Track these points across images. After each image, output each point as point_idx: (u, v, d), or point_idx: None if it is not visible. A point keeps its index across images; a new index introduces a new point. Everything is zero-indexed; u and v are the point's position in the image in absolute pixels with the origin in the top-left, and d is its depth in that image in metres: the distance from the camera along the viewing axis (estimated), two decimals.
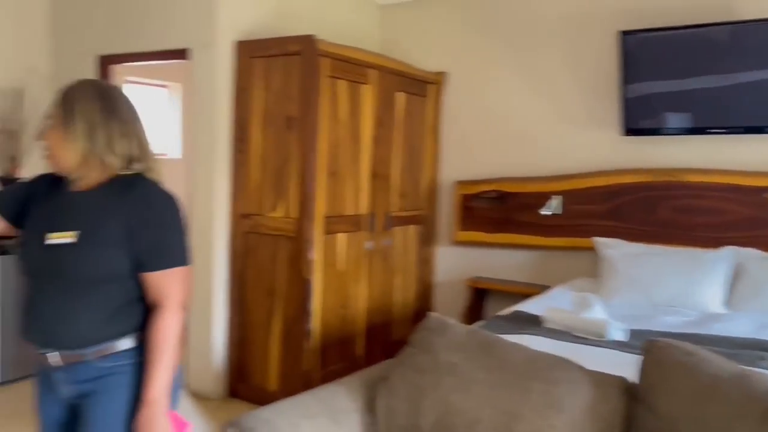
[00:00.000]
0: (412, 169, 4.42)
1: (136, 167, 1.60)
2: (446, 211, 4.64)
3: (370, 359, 4.09)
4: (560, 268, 4.17)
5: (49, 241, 1.54)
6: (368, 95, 3.90)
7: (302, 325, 3.53)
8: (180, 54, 3.79)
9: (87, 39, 4.24)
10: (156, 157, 1.65)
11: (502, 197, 4.32)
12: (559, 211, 4.13)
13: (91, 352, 1.56)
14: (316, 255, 3.56)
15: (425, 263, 4.64)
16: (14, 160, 3.99)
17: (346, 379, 2.06)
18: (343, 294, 3.87)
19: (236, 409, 3.60)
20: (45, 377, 1.66)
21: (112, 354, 1.58)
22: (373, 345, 4.15)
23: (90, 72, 4.20)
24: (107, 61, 4.20)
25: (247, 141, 3.68)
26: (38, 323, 1.58)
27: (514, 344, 1.89)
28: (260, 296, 3.69)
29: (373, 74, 3.92)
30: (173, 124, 5.52)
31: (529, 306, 3.26)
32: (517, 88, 4.35)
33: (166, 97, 5.53)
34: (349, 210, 3.85)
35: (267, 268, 3.65)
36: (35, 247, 1.57)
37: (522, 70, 4.32)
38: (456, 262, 4.62)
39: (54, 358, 1.58)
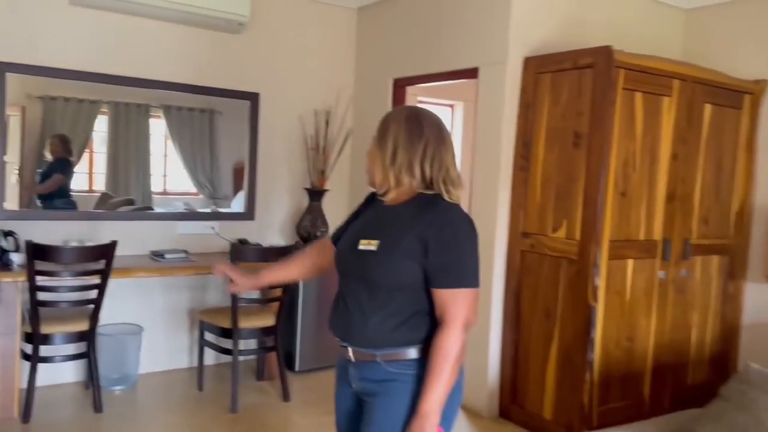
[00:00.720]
0: (718, 191, 3.87)
1: (437, 188, 1.66)
2: (761, 240, 3.95)
3: (656, 402, 3.67)
4: None
5: (360, 247, 1.69)
6: (669, 108, 3.51)
7: (583, 354, 3.29)
8: (470, 73, 3.86)
9: (384, 64, 4.59)
10: (458, 180, 1.70)
11: None
12: None
13: (380, 354, 1.67)
14: (600, 281, 3.30)
15: (730, 300, 4.01)
16: (322, 174, 4.47)
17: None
18: (630, 326, 3.52)
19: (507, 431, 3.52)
20: (342, 368, 1.82)
21: (398, 360, 1.66)
22: (661, 386, 3.70)
23: (386, 94, 4.54)
24: (401, 83, 4.49)
25: (530, 158, 3.59)
26: (340, 318, 1.75)
27: None
28: (537, 317, 3.55)
29: (676, 85, 3.52)
30: (456, 140, 5.70)
31: None
32: None
33: (449, 115, 5.74)
34: (640, 234, 3.50)
35: (545, 289, 3.50)
36: (348, 250, 1.74)
37: None
38: None
39: (349, 352, 1.73)
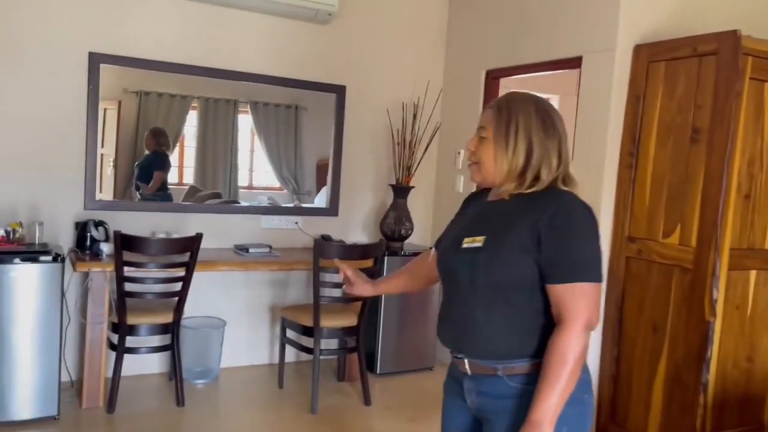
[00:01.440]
0: None
1: (553, 179, 1.51)
2: None
3: None
4: None
5: (464, 245, 1.52)
6: None
7: (697, 374, 2.96)
8: (572, 63, 3.58)
9: (476, 55, 4.36)
10: (575, 180, 1.55)
11: None
12: None
13: (501, 367, 1.48)
14: (719, 293, 2.95)
15: None
16: (408, 170, 4.30)
17: None
18: (750, 344, 3.15)
19: None
20: (455, 381, 1.63)
21: (522, 374, 1.47)
22: None
23: (478, 86, 4.31)
24: (494, 75, 4.25)
25: (639, 155, 3.27)
26: (451, 327, 1.58)
27: None
28: (643, 331, 3.24)
29: None
30: None
31: None
32: None
33: None
34: (765, 243, 3.12)
35: (654, 300, 3.18)
36: (451, 251, 1.58)
37: None
38: None
39: (464, 364, 1.55)
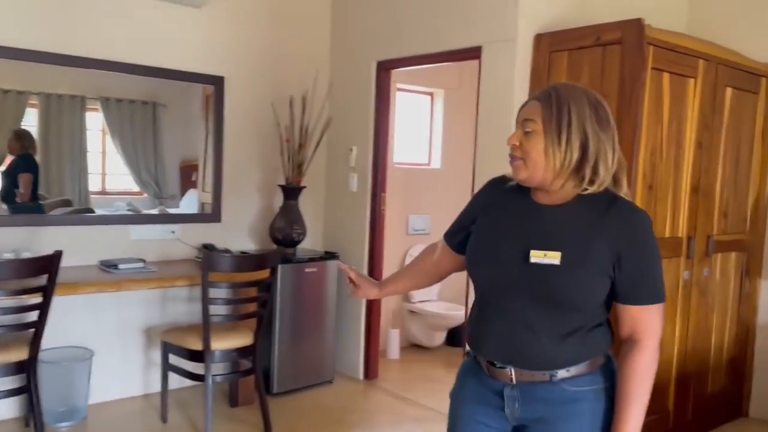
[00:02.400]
0: (736, 182, 3.57)
1: (610, 186, 1.44)
2: None
3: (680, 414, 3.36)
4: None
5: (533, 260, 1.42)
6: (695, 91, 3.18)
7: None
8: (471, 53, 3.43)
9: (366, 44, 4.11)
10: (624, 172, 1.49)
11: None
12: None
13: (557, 374, 1.46)
14: None
15: (746, 300, 3.74)
16: (299, 168, 3.95)
17: None
18: None
19: None
20: (490, 390, 1.54)
21: (579, 376, 1.46)
22: (684, 397, 3.38)
23: (369, 78, 4.06)
24: (387, 66, 4.02)
25: None
26: (496, 339, 1.51)
27: None
28: None
29: (701, 66, 3.19)
30: (435, 132, 5.26)
31: None
32: None
33: (428, 104, 5.29)
34: (666, 231, 3.16)
35: None
36: (512, 262, 1.46)
37: None
38: None
39: (511, 374, 1.49)
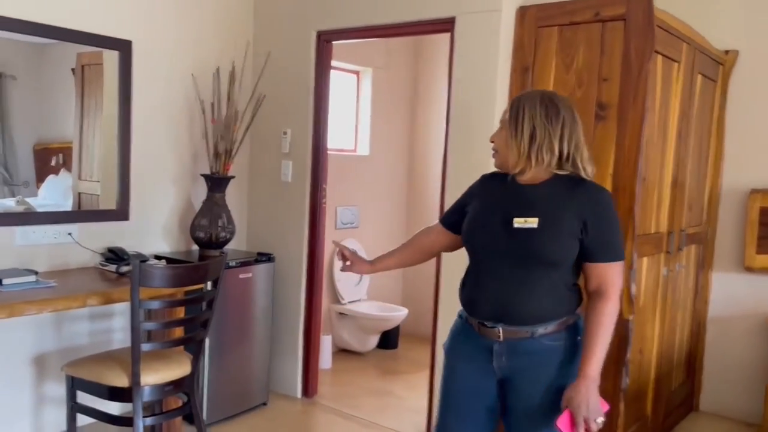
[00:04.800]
0: (699, 173, 3.47)
1: (573, 166, 1.74)
2: (732, 227, 3.65)
3: (655, 416, 3.20)
4: None
5: (515, 225, 1.72)
6: (678, 76, 2.99)
7: (614, 381, 2.64)
8: (441, 25, 3.00)
9: (303, 10, 3.53)
10: (592, 159, 1.79)
11: None
12: None
13: (537, 330, 1.74)
14: (638, 288, 2.68)
15: (700, 293, 3.68)
16: (228, 155, 3.31)
17: None
18: (641, 336, 2.97)
19: None
20: (481, 348, 1.81)
21: (551, 333, 1.75)
22: (658, 402, 3.23)
23: (308, 51, 3.50)
24: (327, 37, 3.48)
25: None
26: (487, 300, 1.79)
27: None
28: None
29: (684, 49, 3.00)
30: (361, 115, 4.77)
31: None
32: None
33: (354, 84, 4.78)
34: (651, 227, 2.95)
35: None
36: (498, 228, 1.76)
37: None
38: (744, 294, 3.61)
39: (497, 332, 1.77)
